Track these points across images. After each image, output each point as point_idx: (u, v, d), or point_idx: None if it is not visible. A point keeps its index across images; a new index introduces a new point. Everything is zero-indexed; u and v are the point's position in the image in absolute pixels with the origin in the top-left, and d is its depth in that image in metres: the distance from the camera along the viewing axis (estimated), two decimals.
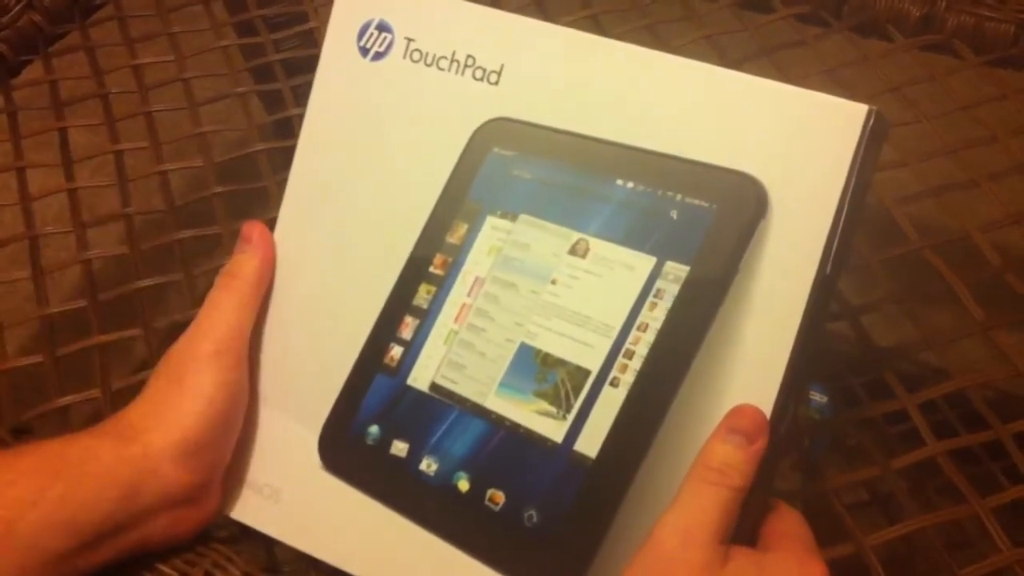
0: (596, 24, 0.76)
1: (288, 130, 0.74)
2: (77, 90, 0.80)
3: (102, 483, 0.49)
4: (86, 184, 0.74)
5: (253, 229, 0.57)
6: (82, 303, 0.66)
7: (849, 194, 0.46)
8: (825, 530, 0.51)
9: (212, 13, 0.84)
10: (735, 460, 0.46)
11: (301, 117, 0.73)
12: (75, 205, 0.72)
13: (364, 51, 0.56)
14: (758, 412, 0.47)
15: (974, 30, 0.74)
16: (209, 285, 0.56)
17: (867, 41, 0.77)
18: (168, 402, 0.52)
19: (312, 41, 0.81)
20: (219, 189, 0.71)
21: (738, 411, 0.47)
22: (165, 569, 0.53)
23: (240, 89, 0.78)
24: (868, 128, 0.46)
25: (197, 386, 0.52)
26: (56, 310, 0.67)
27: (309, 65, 0.78)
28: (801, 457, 0.62)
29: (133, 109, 0.78)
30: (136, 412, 0.52)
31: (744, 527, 0.47)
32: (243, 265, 0.56)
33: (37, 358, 0.64)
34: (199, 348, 0.53)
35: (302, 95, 0.76)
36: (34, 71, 0.81)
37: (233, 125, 0.77)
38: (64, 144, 0.76)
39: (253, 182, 0.72)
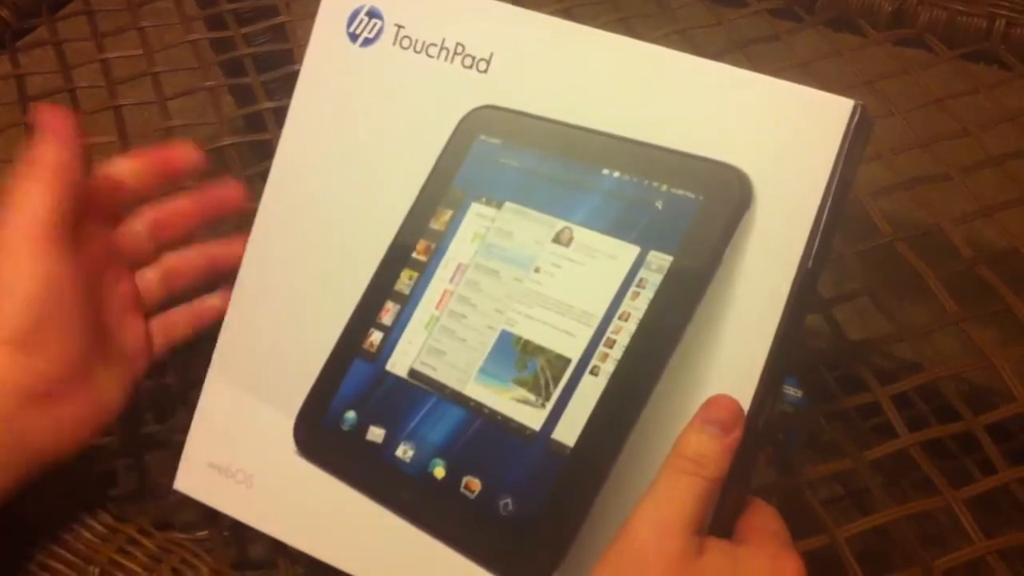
0: (569, 17, 0.75)
1: (259, 124, 0.74)
2: (45, 85, 0.79)
3: None
4: None
5: (48, 115, 0.54)
6: None
7: (833, 189, 0.46)
8: (799, 523, 0.51)
9: (182, 7, 0.83)
10: (710, 450, 0.45)
11: (272, 111, 0.73)
12: None
13: (353, 37, 0.55)
14: (733, 402, 0.46)
15: (946, 24, 0.75)
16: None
17: (840, 35, 0.77)
18: None
19: (283, 35, 0.81)
20: (188, 183, 0.71)
21: (714, 401, 0.47)
22: (130, 565, 0.53)
23: (210, 83, 0.77)
24: (853, 123, 0.46)
25: (12, 273, 0.50)
26: None
27: (280, 59, 0.78)
28: (775, 452, 0.61)
29: (101, 104, 0.77)
30: None
31: (720, 520, 0.47)
32: (45, 152, 0.53)
33: None
34: (7, 238, 0.51)
35: (273, 89, 0.76)
36: (1, 66, 0.80)
37: (203, 120, 0.76)
38: (31, 139, 0.75)
39: (223, 176, 0.71)
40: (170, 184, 0.59)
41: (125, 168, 0.57)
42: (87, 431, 0.53)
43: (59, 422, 0.51)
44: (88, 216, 0.55)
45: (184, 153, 0.58)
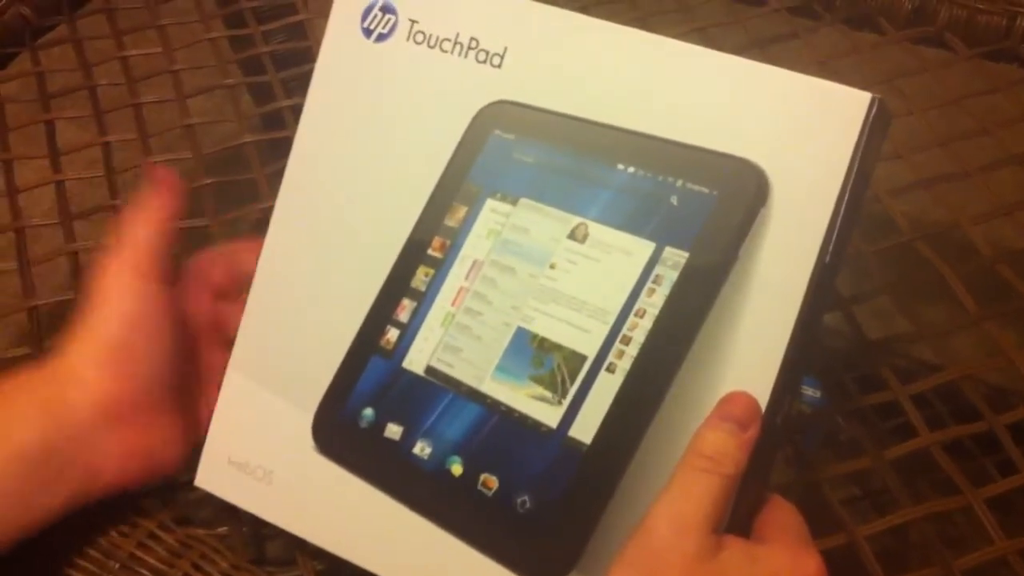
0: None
1: (277, 122, 0.74)
2: (65, 83, 0.79)
3: (23, 403, 0.50)
4: (73, 176, 0.74)
5: (159, 172, 0.57)
6: (70, 295, 0.66)
7: (851, 182, 0.46)
8: (818, 522, 0.50)
9: (201, 5, 0.84)
10: (727, 447, 0.45)
11: (290, 109, 0.74)
12: (62, 197, 0.72)
13: (367, 32, 0.55)
14: (751, 399, 0.46)
15: (966, 23, 0.75)
16: None
17: (859, 34, 0.77)
18: (83, 316, 0.52)
19: (301, 33, 0.81)
20: (208, 181, 0.71)
21: (730, 398, 0.46)
22: (150, 560, 0.53)
23: (229, 81, 0.77)
24: (871, 116, 0.46)
25: (111, 294, 0.52)
26: (42, 302, 0.66)
27: (298, 57, 0.78)
28: (793, 452, 0.61)
29: (121, 102, 0.77)
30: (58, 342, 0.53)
31: (738, 517, 0.46)
32: (152, 198, 0.56)
33: (24, 350, 0.64)
34: (111, 265, 0.53)
35: (292, 87, 0.76)
36: (21, 64, 0.81)
37: (222, 117, 0.77)
38: (51, 137, 0.76)
39: (242, 174, 0.71)
40: None
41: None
42: (153, 466, 0.54)
43: (126, 449, 0.52)
44: (194, 280, 0.58)
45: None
